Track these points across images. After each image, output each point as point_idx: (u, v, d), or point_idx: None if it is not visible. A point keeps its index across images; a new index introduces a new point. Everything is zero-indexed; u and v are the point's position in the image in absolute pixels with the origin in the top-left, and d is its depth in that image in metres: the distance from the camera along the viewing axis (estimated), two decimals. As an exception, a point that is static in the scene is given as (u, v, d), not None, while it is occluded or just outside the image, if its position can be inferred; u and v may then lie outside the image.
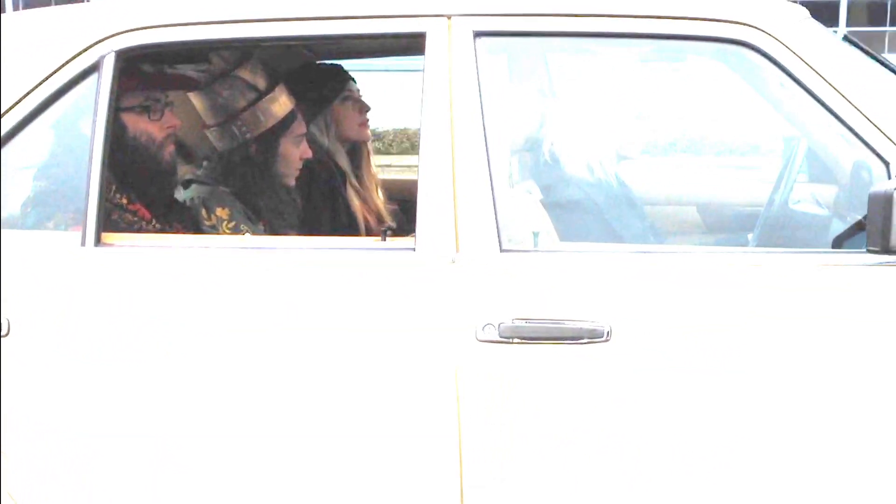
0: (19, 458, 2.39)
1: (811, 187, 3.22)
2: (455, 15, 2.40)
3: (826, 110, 2.30)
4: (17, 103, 2.44)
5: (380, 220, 3.68)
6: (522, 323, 2.25)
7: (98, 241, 2.38)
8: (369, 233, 3.57)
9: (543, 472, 2.30)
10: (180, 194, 3.16)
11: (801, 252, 2.29)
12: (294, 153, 3.23)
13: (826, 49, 2.34)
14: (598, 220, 3.24)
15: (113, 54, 2.43)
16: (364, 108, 3.63)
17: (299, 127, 3.23)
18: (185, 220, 3.01)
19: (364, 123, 3.65)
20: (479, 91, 2.37)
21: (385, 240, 2.40)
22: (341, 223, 3.47)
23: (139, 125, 2.81)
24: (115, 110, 2.72)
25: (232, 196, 3.15)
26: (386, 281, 2.32)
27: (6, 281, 2.35)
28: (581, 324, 2.24)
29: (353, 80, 3.64)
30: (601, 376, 2.25)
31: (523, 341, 2.26)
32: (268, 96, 3.15)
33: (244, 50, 3.06)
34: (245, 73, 3.14)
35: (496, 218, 2.32)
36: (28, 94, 2.44)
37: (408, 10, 2.42)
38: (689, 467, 2.27)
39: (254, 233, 3.09)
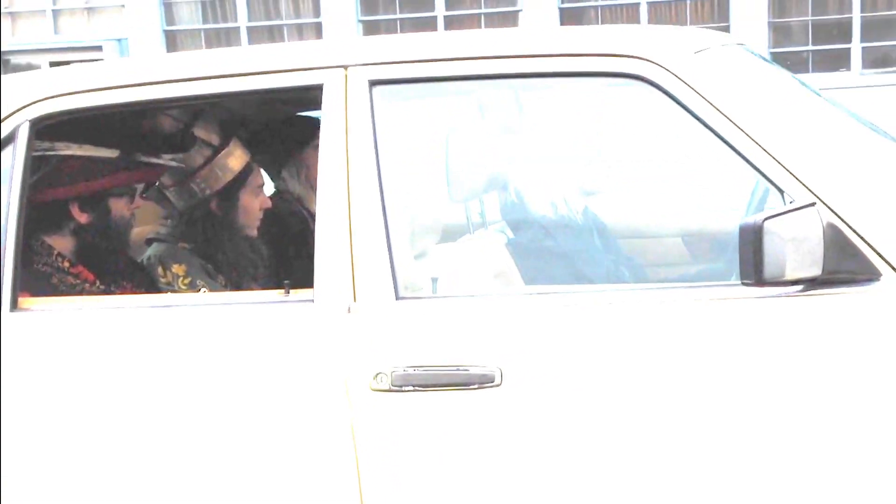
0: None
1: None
2: (352, 65, 2.40)
3: (721, 141, 2.24)
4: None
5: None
6: (412, 371, 2.23)
7: (14, 307, 2.44)
8: None
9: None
10: (143, 253, 3.23)
11: (677, 287, 2.23)
12: (254, 204, 3.27)
13: (723, 79, 2.28)
14: (564, 258, 3.21)
15: (27, 123, 2.50)
16: None
17: (257, 178, 3.27)
18: (136, 280, 3.06)
19: None
20: (375, 140, 2.37)
21: (289, 293, 2.40)
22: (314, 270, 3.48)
23: (116, 206, 2.94)
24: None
25: (190, 252, 3.20)
26: (287, 334, 2.32)
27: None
28: (472, 369, 2.21)
29: None
30: (493, 421, 2.22)
31: (415, 389, 2.24)
32: (223, 151, 3.19)
33: (165, 110, 3.10)
34: (199, 132, 3.19)
35: (392, 266, 2.31)
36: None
37: (306, 62, 2.44)
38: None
39: (211, 288, 3.12)
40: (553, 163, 3.34)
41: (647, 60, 2.29)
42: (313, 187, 3.68)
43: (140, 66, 2.53)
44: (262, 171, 3.61)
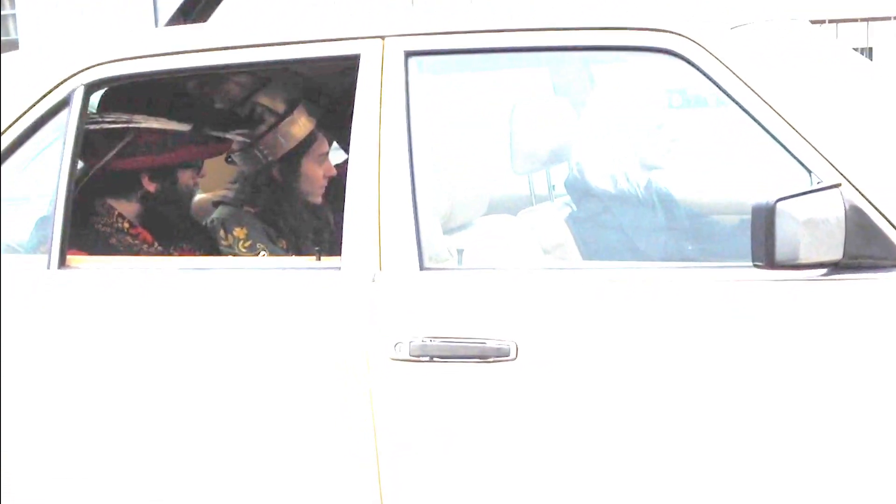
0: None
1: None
2: (389, 36, 2.42)
3: (751, 118, 2.19)
4: (-4, 136, 2.62)
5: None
6: (430, 341, 2.25)
7: (62, 264, 2.53)
8: None
9: (458, 493, 2.29)
10: (209, 215, 3.32)
11: (690, 267, 2.20)
12: (317, 172, 3.31)
13: (758, 56, 2.23)
14: (623, 233, 3.18)
15: (82, 88, 2.58)
16: None
17: (321, 146, 3.32)
18: (196, 242, 3.14)
19: None
20: (408, 111, 2.38)
21: (320, 259, 2.44)
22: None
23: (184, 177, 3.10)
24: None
25: (253, 216, 3.27)
26: (313, 300, 2.36)
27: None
28: (488, 342, 2.22)
29: None
30: (507, 395, 2.22)
31: (432, 360, 2.25)
32: (287, 119, 3.24)
33: (226, 75, 3.16)
34: (263, 99, 3.25)
35: (418, 236, 2.33)
36: (8, 128, 2.62)
37: (344, 33, 2.46)
38: (595, 486, 2.21)
39: (271, 253, 3.19)
40: (616, 136, 3.30)
41: (681, 35, 2.25)
42: None
43: (186, 35, 2.59)
44: (335, 141, 3.66)
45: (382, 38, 2.42)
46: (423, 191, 2.37)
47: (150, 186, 3.05)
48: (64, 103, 2.59)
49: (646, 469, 2.19)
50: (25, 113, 2.61)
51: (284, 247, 3.28)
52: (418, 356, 2.26)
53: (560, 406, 2.20)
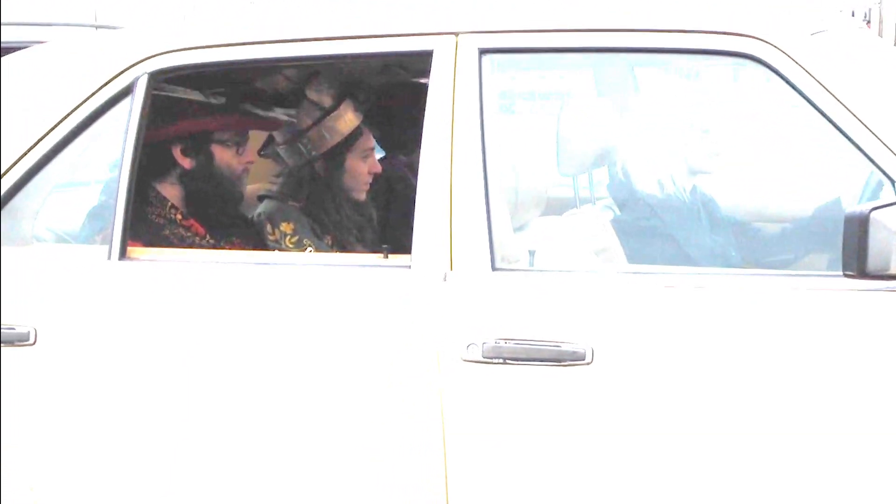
0: (45, 460, 2.53)
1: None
2: (463, 32, 2.40)
3: (833, 126, 2.18)
4: (57, 125, 2.58)
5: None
6: (503, 343, 2.23)
7: (123, 255, 2.50)
8: None
9: (526, 496, 2.27)
10: (255, 209, 3.29)
11: (776, 275, 2.19)
12: (361, 168, 3.29)
13: (839, 63, 2.22)
14: (669, 238, 3.17)
15: (146, 76, 2.55)
16: None
17: (365, 142, 3.29)
18: (246, 236, 3.11)
19: None
20: (481, 109, 2.36)
21: (387, 257, 2.42)
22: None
23: (222, 155, 3.02)
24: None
25: (299, 211, 3.24)
26: (383, 298, 2.34)
27: (36, 292, 2.50)
28: (563, 345, 2.20)
29: None
30: (581, 400, 2.21)
31: (505, 362, 2.24)
32: (333, 114, 3.21)
33: (277, 68, 3.13)
34: (310, 92, 3.22)
35: (490, 236, 2.31)
36: (68, 115, 2.58)
37: (417, 28, 2.44)
38: (670, 492, 2.20)
39: (317, 248, 3.16)
40: (662, 141, 3.29)
41: (762, 40, 2.24)
42: None
43: (254, 25, 2.56)
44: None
45: (456, 34, 2.40)
46: (496, 190, 2.35)
47: (184, 162, 2.99)
48: (127, 91, 2.56)
49: (721, 480, 2.17)
50: (87, 100, 2.58)
51: (330, 243, 3.26)
52: (491, 358, 2.24)
53: (636, 413, 2.18)
